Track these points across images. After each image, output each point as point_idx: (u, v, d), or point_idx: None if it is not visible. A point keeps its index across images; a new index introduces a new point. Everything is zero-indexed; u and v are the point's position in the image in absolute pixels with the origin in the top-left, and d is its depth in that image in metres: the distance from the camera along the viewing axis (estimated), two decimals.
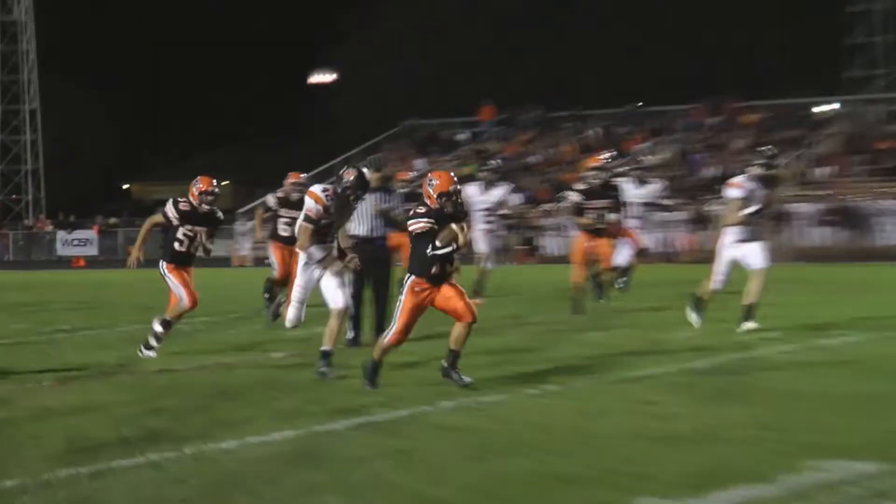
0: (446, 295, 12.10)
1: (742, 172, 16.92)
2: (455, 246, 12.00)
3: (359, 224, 16.24)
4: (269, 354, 15.64)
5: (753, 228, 16.40)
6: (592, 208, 19.44)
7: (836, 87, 61.23)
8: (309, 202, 13.49)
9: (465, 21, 68.99)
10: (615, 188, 19.95)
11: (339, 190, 13.52)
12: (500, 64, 69.91)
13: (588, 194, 19.55)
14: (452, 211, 12.07)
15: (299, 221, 13.58)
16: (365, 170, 13.89)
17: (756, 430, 9.82)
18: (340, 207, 13.57)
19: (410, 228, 12.13)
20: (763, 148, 17.21)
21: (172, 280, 15.36)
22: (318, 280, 13.59)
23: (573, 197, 19.86)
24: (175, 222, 15.46)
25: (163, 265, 15.44)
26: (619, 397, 11.61)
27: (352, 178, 13.53)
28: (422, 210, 12.12)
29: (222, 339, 17.76)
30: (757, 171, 16.43)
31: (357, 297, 15.98)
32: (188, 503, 7.81)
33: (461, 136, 63.40)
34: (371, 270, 15.90)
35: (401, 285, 12.42)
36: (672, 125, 57.16)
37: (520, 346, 15.88)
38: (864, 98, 59.77)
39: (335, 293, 13.43)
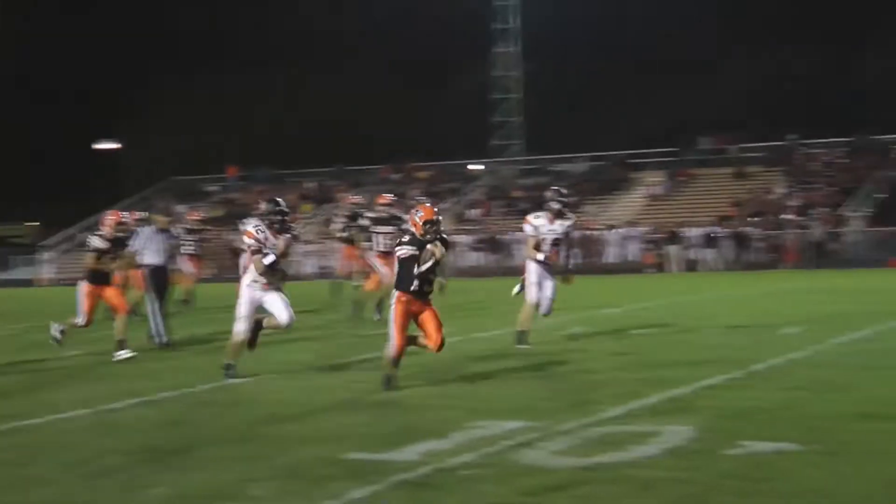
0: (426, 317, 10.85)
1: (540, 209, 14.62)
2: (434, 260, 10.69)
3: (153, 255, 15.93)
4: (70, 353, 14.91)
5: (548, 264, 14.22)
6: (381, 233, 18.77)
7: (484, 152, 62.72)
8: (245, 238, 12.02)
9: (211, 102, 68.45)
10: (400, 218, 18.89)
11: (265, 218, 11.94)
12: (240, 135, 69.81)
13: (376, 221, 18.97)
14: (433, 238, 10.83)
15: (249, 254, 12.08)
16: (279, 199, 12.70)
17: (435, 399, 9.92)
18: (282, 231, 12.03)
19: (398, 254, 10.88)
20: (555, 188, 15.30)
21: (80, 295, 14.54)
22: (261, 299, 11.89)
23: (363, 223, 19.46)
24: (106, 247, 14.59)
25: (81, 284, 14.58)
26: (324, 379, 11.59)
27: (265, 205, 12.23)
28: (406, 239, 10.97)
29: (39, 340, 16.83)
30: (553, 206, 14.15)
31: (162, 307, 15.80)
32: (4, 464, 7.49)
33: (212, 189, 62.48)
34: (161, 287, 15.94)
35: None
36: (366, 180, 57.30)
37: (274, 342, 15.57)
38: (503, 160, 61.15)
39: (281, 310, 11.90)
